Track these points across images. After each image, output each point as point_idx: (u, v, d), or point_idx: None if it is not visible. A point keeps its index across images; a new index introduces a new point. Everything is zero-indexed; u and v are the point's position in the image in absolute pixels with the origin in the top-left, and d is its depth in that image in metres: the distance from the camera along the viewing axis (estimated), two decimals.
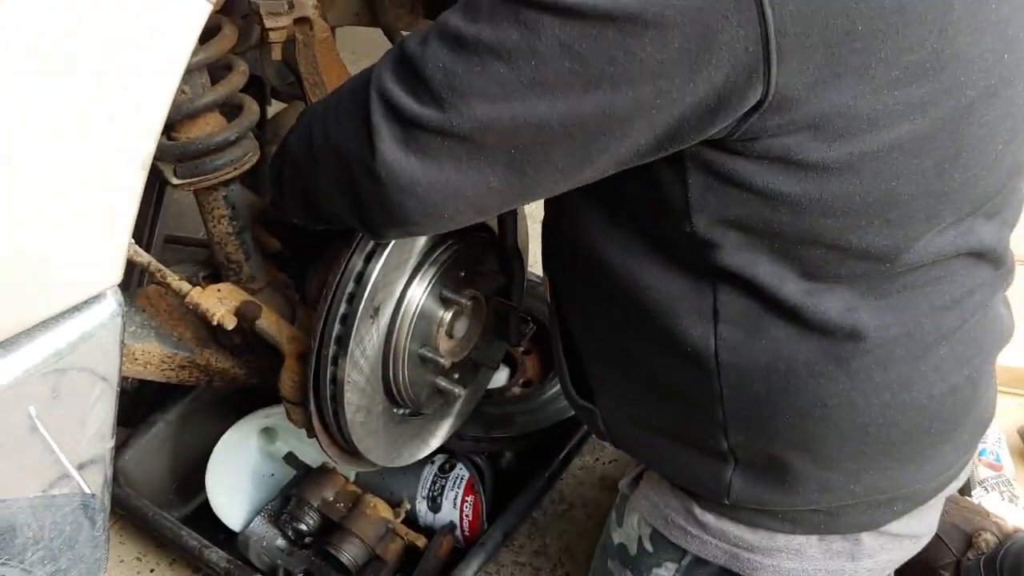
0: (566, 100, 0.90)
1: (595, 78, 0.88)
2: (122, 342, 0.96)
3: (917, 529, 1.32)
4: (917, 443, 1.19)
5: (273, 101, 2.11)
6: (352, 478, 1.96)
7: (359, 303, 1.39)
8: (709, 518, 1.31)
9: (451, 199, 1.01)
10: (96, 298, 0.90)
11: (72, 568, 1.03)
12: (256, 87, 1.90)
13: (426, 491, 1.95)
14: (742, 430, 1.18)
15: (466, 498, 1.93)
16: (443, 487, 1.95)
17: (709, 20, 0.85)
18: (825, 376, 1.11)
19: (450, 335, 1.58)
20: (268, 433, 2.07)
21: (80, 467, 1.02)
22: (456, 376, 1.65)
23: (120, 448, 1.96)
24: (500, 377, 2.18)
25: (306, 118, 1.20)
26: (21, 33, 0.74)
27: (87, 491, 1.04)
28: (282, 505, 1.92)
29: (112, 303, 0.92)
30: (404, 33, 2.11)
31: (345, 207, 1.12)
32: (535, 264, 2.05)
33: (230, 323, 1.48)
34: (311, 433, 1.54)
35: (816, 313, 1.08)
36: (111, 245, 0.89)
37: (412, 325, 1.48)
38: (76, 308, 0.89)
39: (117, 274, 0.91)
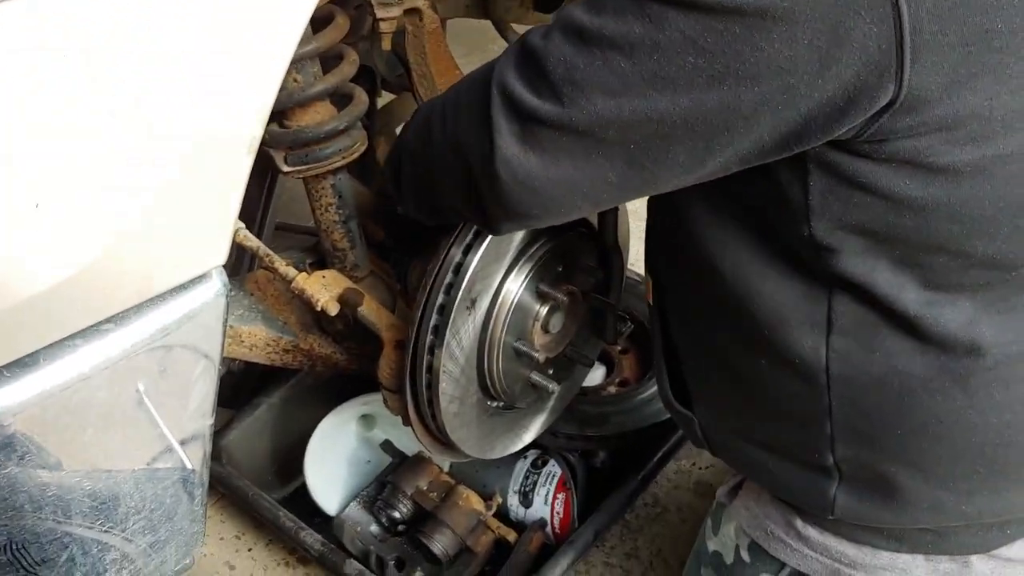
0: (689, 95, 0.89)
1: (720, 73, 0.86)
2: (225, 321, 0.98)
3: None
4: None
5: (383, 93, 2.14)
6: (446, 468, 1.98)
7: (456, 294, 1.40)
8: (811, 532, 1.27)
9: (568, 194, 1.01)
10: (202, 278, 0.93)
11: (171, 539, 1.07)
12: (366, 78, 1.92)
13: (518, 486, 1.95)
14: (850, 445, 1.14)
15: (558, 495, 1.92)
16: (535, 483, 1.94)
17: (841, 16, 0.82)
18: (942, 393, 1.07)
19: (546, 330, 1.57)
20: (366, 420, 2.10)
21: (182, 443, 1.06)
22: (551, 371, 1.65)
23: (224, 429, 2.03)
24: (596, 375, 2.17)
25: (424, 112, 1.21)
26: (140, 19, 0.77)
27: (188, 466, 1.08)
28: (377, 492, 1.95)
29: (217, 283, 0.95)
30: (514, 26, 2.11)
31: (462, 201, 1.13)
32: (636, 262, 2.03)
33: (333, 309, 1.51)
34: (406, 421, 1.56)
35: (936, 325, 1.03)
36: (218, 226, 0.92)
37: (508, 318, 1.48)
38: (183, 287, 0.92)
39: (223, 255, 0.94)
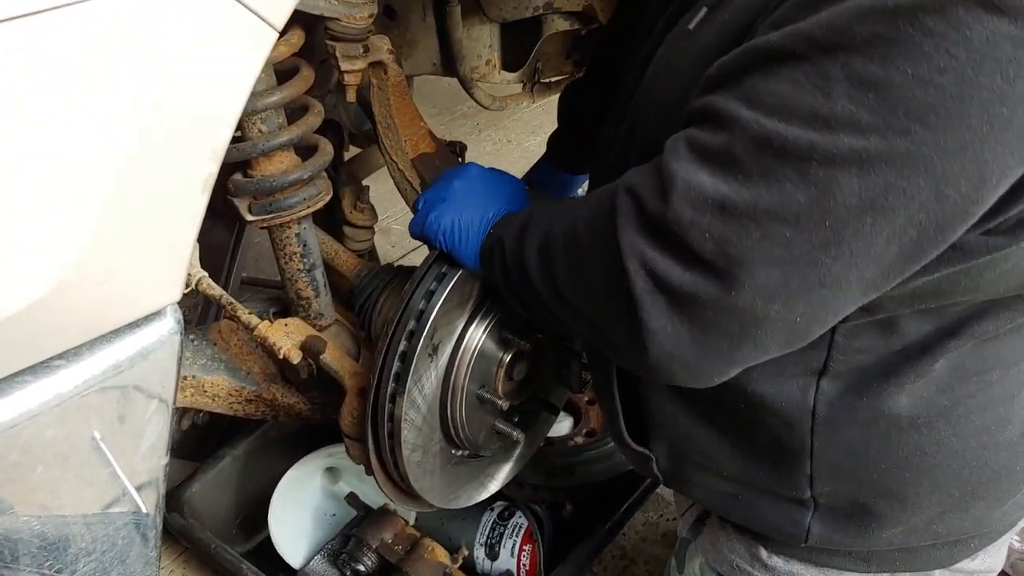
0: (868, 256, 0.81)
1: (903, 228, 0.79)
2: (180, 360, 0.98)
3: (990, 564, 1.27)
4: (1004, 481, 1.14)
5: (350, 147, 2.17)
6: (411, 521, 1.96)
7: (418, 340, 1.40)
8: (777, 561, 1.26)
9: (722, 365, 0.93)
10: (156, 315, 0.93)
11: None
12: (333, 131, 1.95)
13: (484, 538, 1.94)
14: (829, 480, 1.14)
15: (524, 547, 1.91)
16: (502, 535, 1.93)
17: None
18: (928, 426, 1.07)
19: (510, 377, 1.57)
20: (331, 472, 2.09)
21: (137, 487, 1.05)
22: (516, 419, 1.64)
23: (187, 481, 2.01)
24: (563, 426, 2.17)
25: (540, 243, 1.08)
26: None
27: (143, 509, 1.07)
28: (341, 545, 1.92)
29: (171, 320, 0.95)
30: (480, 86, 2.16)
31: (600, 345, 1.06)
32: None
33: (295, 356, 1.51)
34: (369, 470, 1.55)
35: (935, 362, 1.03)
36: (173, 263, 0.92)
37: (471, 365, 1.48)
38: (136, 323, 0.92)
39: (177, 292, 0.94)
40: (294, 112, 1.52)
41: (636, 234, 0.89)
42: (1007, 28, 0.71)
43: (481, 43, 2.06)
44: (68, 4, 0.77)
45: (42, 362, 0.88)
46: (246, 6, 0.83)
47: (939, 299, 0.99)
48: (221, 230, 2.08)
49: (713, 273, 0.84)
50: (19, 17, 0.75)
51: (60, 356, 0.88)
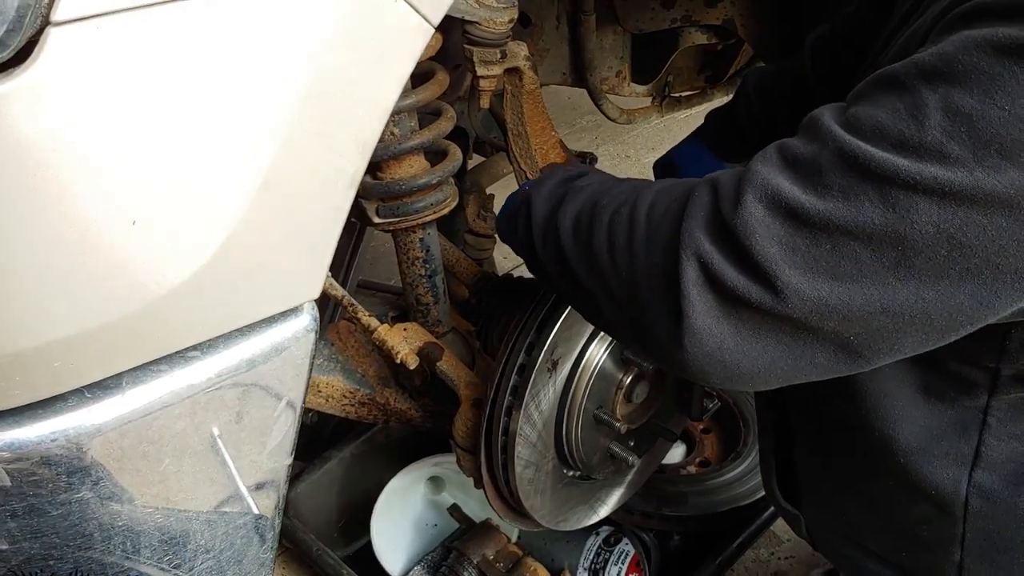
0: (937, 287, 0.78)
1: (977, 268, 0.76)
2: (312, 359, 0.96)
3: None
4: None
5: (474, 155, 2.16)
6: (514, 538, 1.92)
7: (538, 355, 1.36)
8: None
9: (761, 372, 0.88)
10: (294, 311, 0.91)
11: None
12: (460, 138, 1.94)
13: (588, 562, 1.88)
14: (979, 571, 1.07)
15: (630, 575, 1.84)
16: (606, 561, 1.87)
17: None
18: None
19: (628, 399, 1.52)
20: (435, 482, 2.06)
21: (257, 485, 1.03)
22: (631, 443, 1.59)
23: (292, 481, 2.01)
24: (676, 453, 2.10)
25: (582, 209, 1.04)
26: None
27: (260, 512, 1.05)
28: (442, 557, 1.89)
29: (307, 318, 0.93)
30: (608, 97, 2.11)
31: (627, 338, 1.02)
32: None
33: (412, 362, 1.48)
34: (479, 483, 1.51)
35: None
36: (315, 259, 0.90)
37: (590, 383, 1.44)
38: (273, 319, 0.90)
39: (316, 289, 0.92)
40: (426, 116, 1.50)
41: (700, 226, 0.86)
42: None
43: (613, 54, 2.02)
44: None
45: (178, 352, 0.86)
46: (407, 2, 0.81)
47: None
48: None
49: (770, 279, 0.81)
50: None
51: (196, 347, 0.87)
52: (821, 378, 0.89)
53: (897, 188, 0.76)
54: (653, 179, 1.69)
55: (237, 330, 0.88)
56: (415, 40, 0.84)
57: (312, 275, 0.90)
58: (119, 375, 0.84)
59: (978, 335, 0.85)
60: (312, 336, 0.94)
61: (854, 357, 0.85)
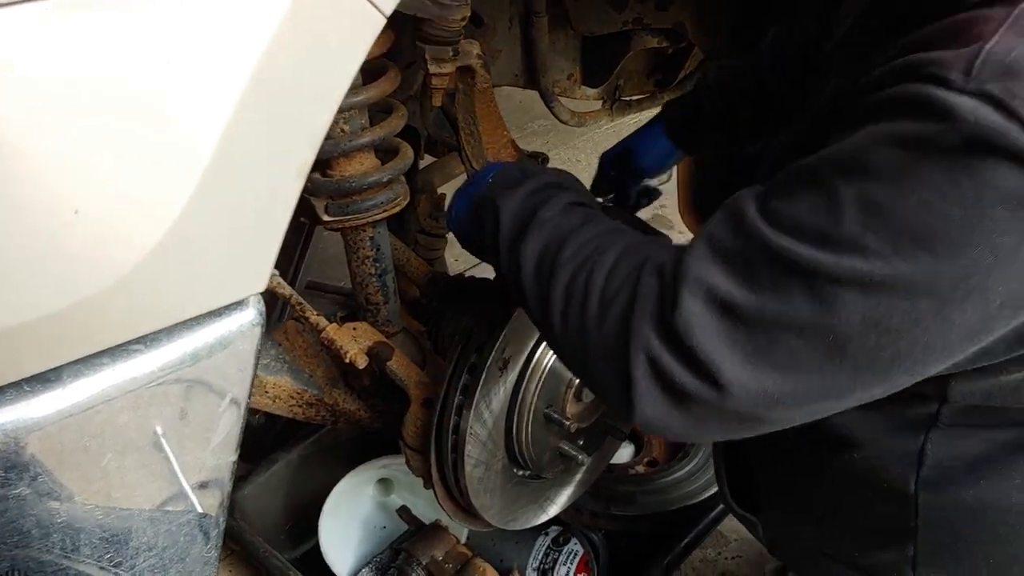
0: (873, 371, 0.82)
1: (908, 348, 0.80)
2: (258, 354, 0.95)
3: None
4: None
5: (425, 156, 2.15)
6: (464, 539, 1.91)
7: (489, 353, 1.36)
8: None
9: (707, 439, 0.94)
10: (239, 304, 0.90)
11: None
12: (411, 137, 1.93)
13: (537, 562, 1.88)
14: (933, 566, 1.11)
15: (578, 575, 1.85)
16: (555, 560, 1.87)
17: None
18: None
19: (579, 398, 1.52)
20: (384, 484, 2.05)
21: (202, 484, 1.01)
22: (581, 442, 1.59)
23: (239, 482, 1.98)
24: (625, 453, 2.11)
25: (544, 251, 1.03)
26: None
27: (203, 511, 1.03)
28: (391, 559, 1.88)
29: (253, 312, 0.91)
30: (560, 100, 2.12)
31: (574, 371, 1.06)
32: None
33: (361, 361, 1.47)
34: (428, 483, 1.51)
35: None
36: (261, 252, 0.89)
37: (541, 382, 1.44)
38: (218, 312, 0.89)
39: (262, 282, 0.91)
40: (377, 114, 1.50)
41: (648, 321, 0.88)
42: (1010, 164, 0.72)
43: (565, 57, 2.03)
44: None
45: (120, 345, 0.85)
46: None
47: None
48: (288, 232, 2.06)
49: (714, 376, 0.84)
50: None
51: (139, 340, 0.85)
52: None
53: (821, 281, 0.79)
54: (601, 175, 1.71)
55: (181, 323, 0.87)
56: (366, 29, 0.84)
57: (258, 268, 0.89)
58: (59, 368, 0.82)
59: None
60: (258, 330, 0.92)
61: (804, 425, 0.89)
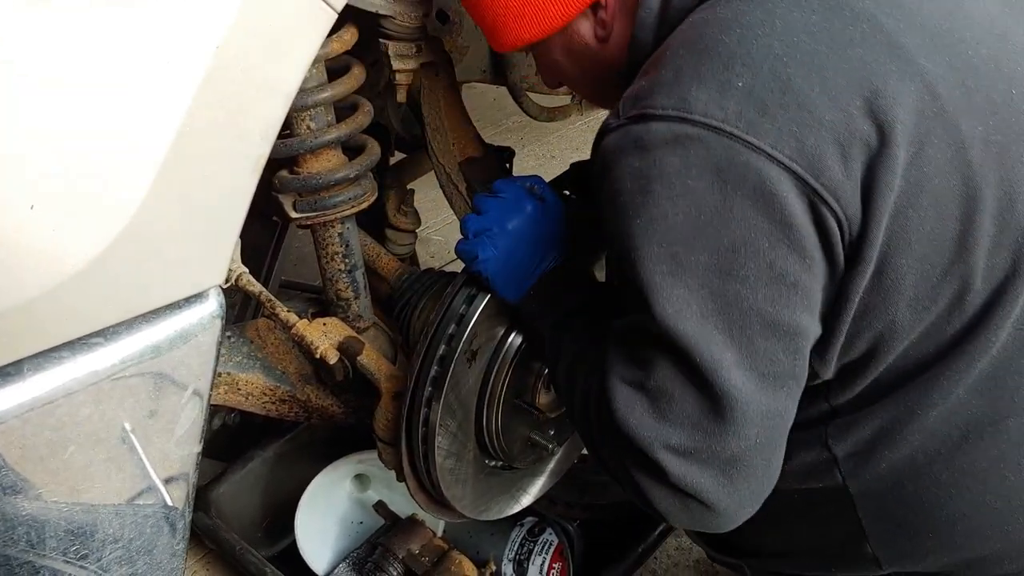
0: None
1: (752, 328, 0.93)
2: (219, 346, 0.96)
3: None
4: None
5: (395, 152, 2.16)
6: (439, 532, 1.92)
7: (457, 344, 1.37)
8: None
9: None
10: (199, 296, 0.91)
11: (149, 574, 1.02)
12: (379, 135, 1.94)
13: (513, 553, 1.90)
14: (892, 553, 1.14)
15: (553, 565, 1.87)
16: (531, 551, 1.89)
17: None
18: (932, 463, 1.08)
19: (548, 388, 1.54)
20: (360, 480, 2.06)
21: (167, 479, 1.02)
22: (552, 432, 1.61)
23: (215, 481, 1.99)
24: None
25: (568, 377, 1.20)
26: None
27: (169, 502, 1.04)
28: (367, 554, 1.89)
29: (213, 304, 0.93)
30: (529, 95, 2.13)
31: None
32: None
33: (332, 356, 1.48)
34: (400, 475, 1.52)
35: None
36: (219, 244, 0.90)
37: (509, 373, 1.45)
38: (178, 304, 0.90)
39: (221, 275, 0.92)
40: (343, 111, 1.51)
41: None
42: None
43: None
44: None
45: (80, 338, 0.86)
46: None
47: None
48: (261, 231, 2.07)
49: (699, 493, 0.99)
50: None
51: (98, 334, 0.86)
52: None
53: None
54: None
55: (141, 316, 0.88)
56: (317, 24, 0.85)
57: (216, 260, 0.90)
58: (19, 362, 0.83)
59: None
60: (219, 323, 0.93)
61: None
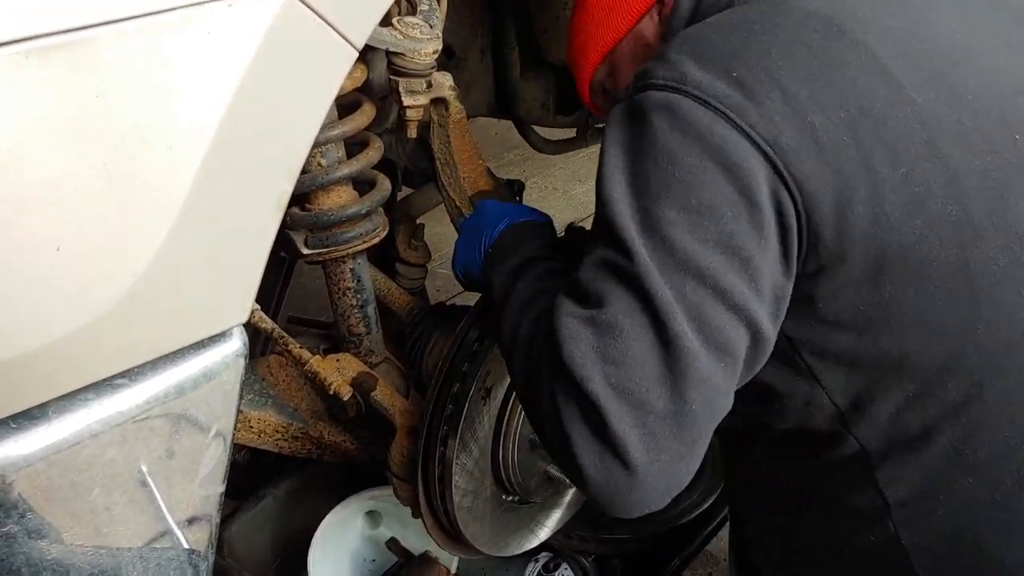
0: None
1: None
2: (242, 385, 0.95)
3: None
4: None
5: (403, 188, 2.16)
6: (453, 569, 1.90)
7: (471, 382, 1.37)
8: None
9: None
10: (222, 336, 0.91)
11: None
12: (388, 170, 1.94)
13: None
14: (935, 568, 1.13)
15: None
16: None
17: None
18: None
19: None
20: (373, 517, 2.04)
21: (189, 520, 1.01)
22: None
23: (226, 519, 1.96)
24: None
25: (512, 329, 1.16)
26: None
27: (193, 547, 1.03)
28: None
29: (237, 342, 0.92)
30: (534, 128, 2.14)
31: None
32: None
33: (346, 392, 1.48)
34: (416, 512, 1.51)
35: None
36: (243, 283, 0.90)
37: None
38: (201, 344, 0.89)
39: (244, 314, 0.91)
40: (353, 147, 1.51)
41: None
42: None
43: (538, 86, 2.05)
44: (149, 13, 0.76)
45: (104, 380, 0.85)
46: (330, 24, 0.82)
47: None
48: (269, 267, 2.07)
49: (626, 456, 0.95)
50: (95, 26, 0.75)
51: (123, 374, 0.86)
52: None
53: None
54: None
55: (166, 356, 0.87)
56: (340, 62, 0.86)
57: (240, 299, 0.90)
58: (45, 404, 0.83)
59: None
60: (242, 361, 0.93)
61: None
